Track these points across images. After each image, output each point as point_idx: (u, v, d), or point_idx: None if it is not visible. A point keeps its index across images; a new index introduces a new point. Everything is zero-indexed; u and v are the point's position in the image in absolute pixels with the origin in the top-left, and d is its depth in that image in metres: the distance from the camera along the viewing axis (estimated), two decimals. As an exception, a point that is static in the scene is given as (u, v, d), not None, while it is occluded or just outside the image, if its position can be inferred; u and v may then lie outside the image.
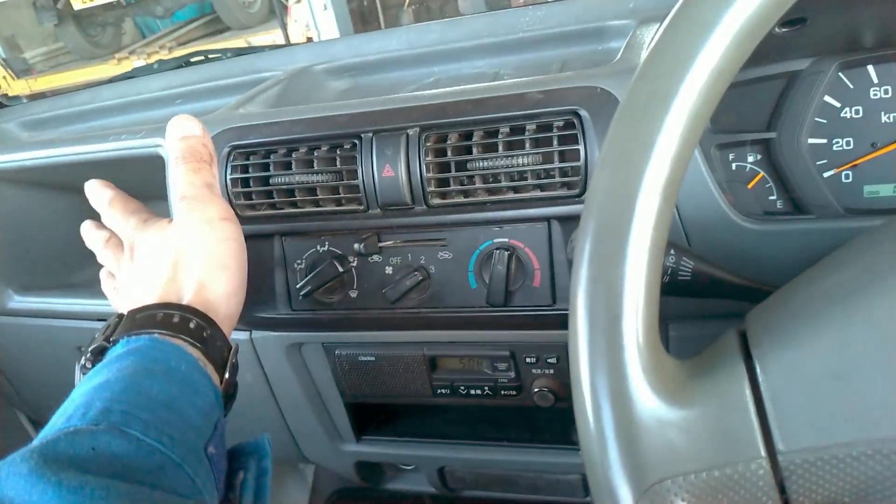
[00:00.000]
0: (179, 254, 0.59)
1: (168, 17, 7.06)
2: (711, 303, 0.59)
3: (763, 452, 0.35)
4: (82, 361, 0.56)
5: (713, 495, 0.35)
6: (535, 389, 0.81)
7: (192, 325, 0.55)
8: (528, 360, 0.81)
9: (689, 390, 0.37)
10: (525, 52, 1.01)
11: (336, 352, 0.88)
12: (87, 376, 0.52)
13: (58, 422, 0.47)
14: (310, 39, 4.75)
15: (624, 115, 0.39)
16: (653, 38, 0.40)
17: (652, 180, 0.37)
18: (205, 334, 0.56)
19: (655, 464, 0.35)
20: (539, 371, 0.81)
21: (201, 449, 0.50)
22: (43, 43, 7.39)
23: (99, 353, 0.55)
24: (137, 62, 5.78)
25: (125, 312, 0.57)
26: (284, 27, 5.27)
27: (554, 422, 0.94)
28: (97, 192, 0.72)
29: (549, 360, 0.80)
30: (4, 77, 5.97)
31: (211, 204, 0.62)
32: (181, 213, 0.61)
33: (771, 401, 0.35)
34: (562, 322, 0.74)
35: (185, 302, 0.58)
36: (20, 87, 6.29)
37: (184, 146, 0.64)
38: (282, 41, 4.95)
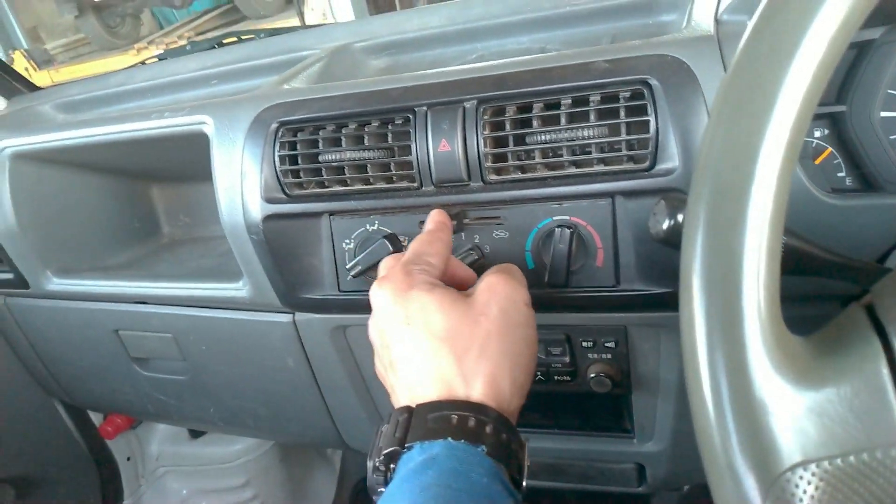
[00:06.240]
0: (479, 333, 0.54)
1: (186, 8, 7.09)
2: (795, 283, 0.56)
3: (903, 437, 0.32)
4: (375, 462, 0.51)
5: (849, 483, 0.32)
6: (592, 375, 0.78)
7: (488, 430, 0.49)
8: (584, 343, 0.78)
9: (817, 370, 0.34)
10: (572, 26, 0.97)
11: (383, 335, 0.85)
12: (388, 494, 0.48)
13: None
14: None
15: (742, 66, 0.35)
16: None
17: (775, 137, 0.34)
18: (502, 437, 0.50)
19: (784, 450, 0.32)
20: (596, 356, 0.78)
21: None
22: (63, 34, 7.43)
23: (392, 458, 0.51)
24: (156, 52, 5.79)
25: (412, 405, 0.52)
26: (301, 15, 5.24)
27: (606, 409, 0.91)
28: (436, 218, 0.67)
29: (606, 345, 0.77)
30: (27, 68, 5.99)
31: (521, 285, 0.58)
32: (489, 283, 0.57)
33: (912, 380, 0.32)
34: (624, 304, 0.72)
35: (475, 397, 0.51)
36: (42, 78, 6.31)
37: None
38: (301, 29, 4.93)
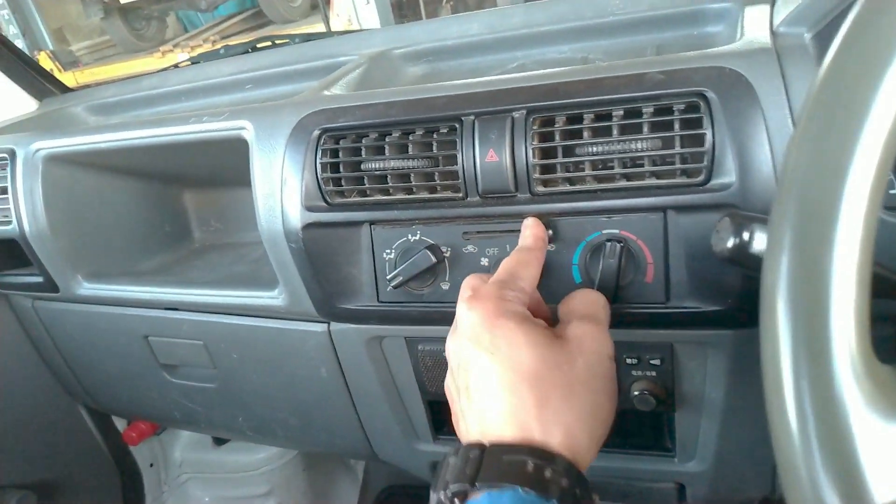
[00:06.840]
0: (563, 380, 0.52)
1: (211, 11, 7.17)
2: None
3: None
4: (441, 497, 0.49)
5: (949, 524, 0.30)
6: (635, 392, 0.76)
7: (563, 483, 0.47)
8: (628, 360, 0.76)
9: (912, 402, 0.32)
10: (615, 36, 0.95)
11: (419, 346, 0.84)
12: None
13: None
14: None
15: (831, 79, 0.34)
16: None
17: (865, 154, 0.32)
18: (575, 492, 0.47)
19: (877, 487, 0.30)
20: (640, 373, 0.76)
21: None
22: (89, 36, 7.53)
23: (459, 494, 0.48)
24: (181, 55, 5.83)
25: (485, 443, 0.50)
26: (327, 20, 5.26)
27: (647, 427, 0.89)
28: (534, 232, 0.65)
29: (652, 362, 0.75)
30: (52, 69, 6.06)
31: (608, 338, 0.57)
32: (577, 333, 0.55)
33: None
34: (673, 321, 0.70)
35: (552, 446, 0.49)
36: (67, 79, 6.38)
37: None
38: (325, 35, 4.94)
